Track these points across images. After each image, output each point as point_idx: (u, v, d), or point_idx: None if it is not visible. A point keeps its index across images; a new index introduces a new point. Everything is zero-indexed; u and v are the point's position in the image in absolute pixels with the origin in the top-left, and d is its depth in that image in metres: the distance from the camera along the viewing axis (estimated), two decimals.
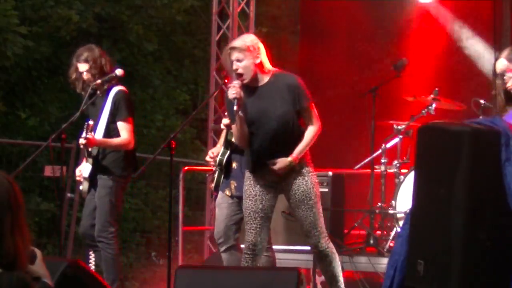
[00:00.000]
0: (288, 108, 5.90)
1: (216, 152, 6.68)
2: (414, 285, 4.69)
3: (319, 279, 7.53)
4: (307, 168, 6.00)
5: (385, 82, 8.41)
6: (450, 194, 4.48)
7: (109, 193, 6.75)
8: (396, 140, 8.15)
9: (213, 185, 6.76)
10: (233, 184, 6.59)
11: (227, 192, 6.63)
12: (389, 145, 8.19)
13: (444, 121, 4.91)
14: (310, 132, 5.96)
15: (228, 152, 6.58)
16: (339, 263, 6.10)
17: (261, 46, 5.95)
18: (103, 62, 6.81)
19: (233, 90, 5.80)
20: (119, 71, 6.80)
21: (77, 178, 6.94)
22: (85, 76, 6.77)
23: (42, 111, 12.05)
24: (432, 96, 8.07)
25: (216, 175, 6.67)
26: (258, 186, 6.03)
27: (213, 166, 6.73)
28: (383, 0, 10.28)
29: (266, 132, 5.94)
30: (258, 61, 5.88)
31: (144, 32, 12.93)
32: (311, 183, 6.00)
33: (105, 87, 6.81)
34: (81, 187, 6.91)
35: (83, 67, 6.77)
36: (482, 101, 7.71)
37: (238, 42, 5.94)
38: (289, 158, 5.91)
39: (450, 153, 4.57)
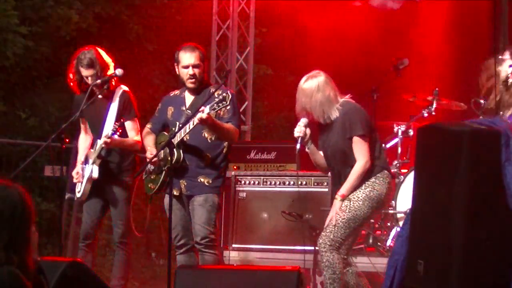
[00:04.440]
0: (339, 139, 6.08)
1: (154, 152, 6.47)
2: (414, 285, 4.68)
3: (319, 279, 7.53)
4: (368, 183, 6.08)
5: (385, 82, 8.40)
6: (450, 194, 4.48)
7: (126, 196, 6.86)
8: (396, 140, 8.15)
9: (153, 186, 6.58)
10: (183, 183, 6.53)
11: (175, 192, 6.49)
12: (389, 145, 8.19)
13: (444, 121, 4.90)
14: (355, 170, 6.06)
15: (181, 151, 6.46)
16: (332, 278, 6.04)
17: (328, 81, 6.12)
18: (105, 65, 6.80)
19: (298, 129, 6.06)
20: (119, 71, 6.81)
21: (75, 181, 6.92)
22: (90, 80, 6.77)
23: (42, 111, 12.02)
24: (432, 96, 8.07)
25: (161, 176, 6.49)
26: None
27: (155, 166, 6.56)
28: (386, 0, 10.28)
29: (331, 162, 6.18)
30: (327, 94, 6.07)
31: (144, 32, 12.92)
32: (357, 196, 6.05)
33: (105, 87, 6.81)
34: (80, 188, 6.89)
35: (86, 72, 6.75)
36: (482, 101, 7.70)
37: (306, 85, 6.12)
38: (338, 198, 6.05)
39: (450, 153, 4.56)
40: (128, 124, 6.84)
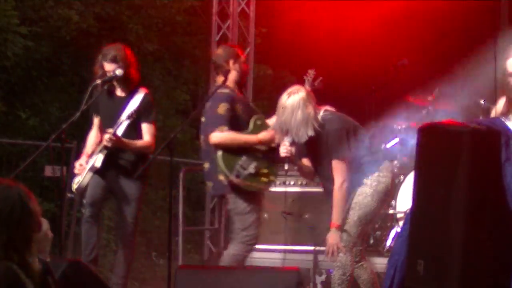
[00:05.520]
0: (326, 159, 6.04)
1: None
2: (414, 285, 4.69)
3: (319, 279, 7.53)
4: (373, 177, 6.06)
5: (385, 82, 8.41)
6: (450, 194, 4.48)
7: (139, 197, 6.81)
8: (396, 140, 8.15)
9: (273, 177, 6.54)
10: (210, 183, 6.54)
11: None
12: (389, 145, 8.19)
13: (444, 121, 4.90)
14: (335, 196, 6.02)
15: None
16: (341, 279, 6.05)
17: (308, 97, 6.05)
18: (129, 63, 6.78)
19: (283, 149, 6.02)
20: (119, 71, 6.79)
21: (76, 171, 6.84)
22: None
23: (42, 111, 12.02)
24: (432, 96, 8.08)
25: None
26: None
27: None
28: (386, 1, 10.30)
29: (322, 172, 6.16)
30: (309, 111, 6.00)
31: (144, 32, 12.92)
32: (365, 193, 6.04)
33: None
34: (79, 179, 6.79)
35: (109, 67, 6.73)
36: (482, 101, 7.71)
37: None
38: (333, 230, 5.99)
39: (450, 153, 4.56)
40: (145, 127, 6.78)
